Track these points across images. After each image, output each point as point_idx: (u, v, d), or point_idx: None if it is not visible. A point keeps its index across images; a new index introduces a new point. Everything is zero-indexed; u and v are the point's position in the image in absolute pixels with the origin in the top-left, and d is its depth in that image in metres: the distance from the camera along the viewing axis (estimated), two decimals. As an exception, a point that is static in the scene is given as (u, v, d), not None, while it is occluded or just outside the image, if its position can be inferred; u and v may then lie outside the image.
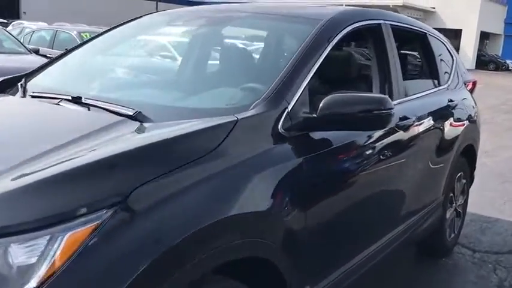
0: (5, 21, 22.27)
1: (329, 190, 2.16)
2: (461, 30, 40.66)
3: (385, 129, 2.58)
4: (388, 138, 2.64)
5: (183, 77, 2.70)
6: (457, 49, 39.24)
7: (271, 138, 1.90)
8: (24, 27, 16.26)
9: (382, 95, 2.11)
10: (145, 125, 1.83)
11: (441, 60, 3.75)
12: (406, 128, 2.78)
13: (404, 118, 2.79)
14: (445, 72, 3.78)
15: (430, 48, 3.61)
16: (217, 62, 2.70)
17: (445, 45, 3.96)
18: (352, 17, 2.64)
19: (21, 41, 12.08)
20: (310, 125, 2.05)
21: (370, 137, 2.46)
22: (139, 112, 1.88)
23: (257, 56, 2.66)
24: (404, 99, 2.95)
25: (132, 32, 2.86)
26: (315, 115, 2.03)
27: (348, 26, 2.54)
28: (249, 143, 1.81)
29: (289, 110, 2.00)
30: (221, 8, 2.89)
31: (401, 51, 3.84)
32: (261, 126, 1.89)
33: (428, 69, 3.64)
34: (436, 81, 3.60)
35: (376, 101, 2.07)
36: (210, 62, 2.72)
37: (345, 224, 2.35)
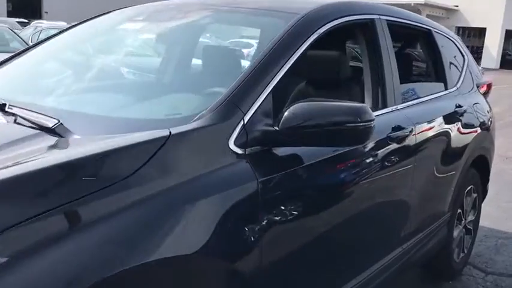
0: (26, 20, 22.33)
1: (297, 219, 1.79)
2: (485, 28, 39.58)
3: (373, 141, 2.21)
4: (378, 152, 2.27)
5: (127, 81, 2.36)
6: (481, 48, 38.30)
7: (218, 156, 1.55)
8: (37, 26, 16.24)
9: (360, 104, 1.74)
10: (62, 140, 1.50)
11: (449, 60, 3.35)
12: (400, 140, 2.40)
13: (398, 128, 2.41)
14: (454, 74, 3.37)
15: (435, 47, 3.20)
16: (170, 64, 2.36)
17: (454, 43, 3.55)
18: (336, 11, 2.27)
19: (31, 40, 11.91)
20: (272, 139, 1.70)
21: (354, 151, 2.08)
22: (60, 124, 1.55)
23: (216, 57, 2.31)
24: (401, 105, 2.57)
25: (86, 32, 2.54)
26: (276, 128, 1.68)
27: (330, 21, 2.17)
28: (186, 163, 1.46)
29: (246, 121, 1.65)
30: (181, 3, 2.54)
31: (402, 51, 3.46)
32: (205, 142, 1.54)
33: (434, 70, 3.24)
34: (442, 84, 3.20)
35: (352, 112, 1.70)
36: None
37: (320, 259, 1.98)
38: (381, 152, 2.28)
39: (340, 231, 2.08)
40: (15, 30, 11.93)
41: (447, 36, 3.44)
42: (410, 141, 2.49)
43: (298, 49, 1.94)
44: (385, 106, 2.48)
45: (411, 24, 2.96)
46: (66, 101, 1.98)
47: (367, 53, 2.55)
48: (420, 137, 2.60)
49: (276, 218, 1.67)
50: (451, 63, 3.37)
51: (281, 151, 1.74)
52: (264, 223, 1.61)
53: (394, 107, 2.52)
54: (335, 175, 2.01)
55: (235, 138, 1.61)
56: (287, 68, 1.87)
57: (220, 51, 2.49)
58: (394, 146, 2.35)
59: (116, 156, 1.34)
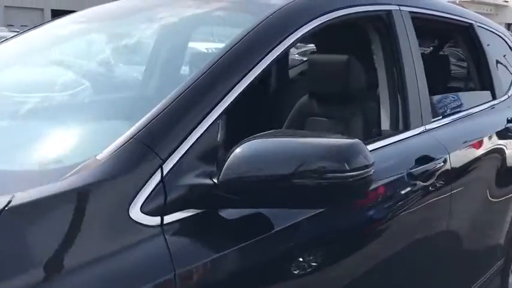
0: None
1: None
2: (538, 24, 37.43)
3: (383, 184, 1.57)
4: (389, 202, 1.61)
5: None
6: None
7: (106, 236, 0.95)
8: None
9: (350, 141, 1.09)
10: None
11: (498, 62, 2.63)
12: (426, 177, 1.72)
13: (425, 159, 1.74)
14: (505, 80, 2.64)
15: (479, 46, 2.49)
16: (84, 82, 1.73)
17: (504, 40, 2.82)
18: (330, 1, 1.63)
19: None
20: (209, 199, 1.08)
21: (350, 205, 1.44)
22: None
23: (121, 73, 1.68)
24: (430, 125, 1.90)
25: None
26: (215, 180, 1.07)
27: (321, 15, 1.54)
28: (37, 252, 0.87)
29: (166, 173, 1.04)
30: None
31: (433, 52, 2.77)
32: (80, 213, 0.94)
33: (477, 75, 2.53)
34: (489, 93, 2.48)
35: (335, 154, 1.06)
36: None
37: None
38: (395, 201, 1.62)
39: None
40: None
41: (495, 31, 2.72)
42: (443, 175, 1.81)
43: (265, 56, 1.32)
44: (407, 127, 1.82)
45: (445, 16, 2.27)
46: None
47: (383, 56, 1.90)
48: (458, 169, 1.91)
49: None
50: (499, 65, 2.64)
51: (227, 215, 1.12)
52: None
53: (420, 128, 1.85)
54: (322, 250, 1.35)
55: (145, 202, 1.00)
56: (246, 84, 1.25)
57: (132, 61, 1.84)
58: (416, 187, 1.68)
59: None
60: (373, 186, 1.44)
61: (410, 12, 1.97)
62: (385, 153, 1.66)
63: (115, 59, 1.61)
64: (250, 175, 1.04)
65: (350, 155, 1.06)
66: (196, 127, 1.12)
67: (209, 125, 1.13)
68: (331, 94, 2.15)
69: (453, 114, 2.14)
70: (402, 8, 1.93)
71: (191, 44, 1.59)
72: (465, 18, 2.47)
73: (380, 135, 1.87)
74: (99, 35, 1.83)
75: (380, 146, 1.67)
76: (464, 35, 2.51)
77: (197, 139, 1.11)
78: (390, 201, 1.61)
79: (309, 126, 2.24)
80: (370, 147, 1.63)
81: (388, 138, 1.75)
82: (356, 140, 1.10)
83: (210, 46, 1.56)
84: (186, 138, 1.10)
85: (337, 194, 1.09)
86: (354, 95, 2.10)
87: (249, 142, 1.07)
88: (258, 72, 1.28)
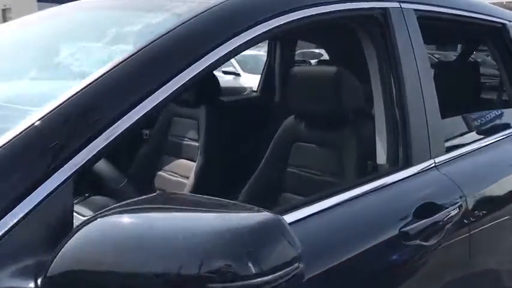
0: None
1: None
2: None
3: (374, 243, 1.13)
4: (383, 258, 1.16)
5: None
6: None
7: None
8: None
9: (260, 218, 0.66)
10: None
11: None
12: (429, 235, 1.26)
13: (429, 208, 1.28)
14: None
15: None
16: None
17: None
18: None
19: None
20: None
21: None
22: None
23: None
24: (442, 158, 1.44)
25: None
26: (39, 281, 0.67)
27: (272, 17, 1.12)
28: None
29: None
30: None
31: (455, 60, 2.28)
32: None
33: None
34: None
35: (229, 246, 0.63)
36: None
37: None
38: (389, 271, 1.17)
39: None
40: None
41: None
42: (457, 230, 1.34)
43: (194, 68, 0.93)
44: (408, 162, 1.37)
45: (466, 15, 1.79)
46: None
47: (378, 67, 1.46)
48: (478, 221, 1.43)
49: None
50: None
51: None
52: None
53: (427, 163, 1.40)
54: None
55: None
56: (155, 105, 0.86)
57: None
58: (419, 251, 1.22)
59: None
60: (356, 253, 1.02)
61: (415, 10, 1.52)
62: (378, 200, 1.23)
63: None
64: (89, 275, 0.64)
65: (258, 247, 0.64)
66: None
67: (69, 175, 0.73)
68: (319, 115, 1.73)
69: (476, 140, 1.66)
70: (404, 5, 1.49)
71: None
72: (496, 17, 1.97)
73: (376, 171, 1.43)
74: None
75: (371, 188, 1.24)
76: (495, 38, 2.02)
77: (31, 211, 0.71)
78: (381, 273, 1.16)
79: (295, 153, 1.82)
80: (358, 190, 1.20)
81: (385, 178, 1.31)
82: (271, 218, 0.67)
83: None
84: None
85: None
86: (346, 115, 1.67)
87: (94, 222, 0.66)
88: (182, 82, 0.88)
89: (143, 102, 0.87)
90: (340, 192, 1.17)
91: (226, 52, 1.02)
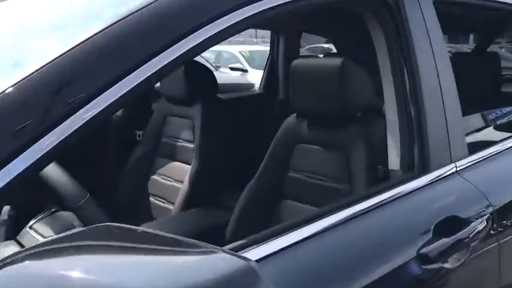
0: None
1: None
2: None
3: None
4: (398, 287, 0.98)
5: None
6: None
7: None
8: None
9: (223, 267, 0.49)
10: None
11: None
12: (453, 256, 1.07)
13: (453, 223, 1.09)
14: None
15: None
16: None
17: None
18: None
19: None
20: None
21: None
22: None
23: None
24: (464, 162, 1.25)
25: None
26: None
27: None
28: None
29: None
30: None
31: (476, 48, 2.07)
32: None
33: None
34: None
35: None
36: None
37: None
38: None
39: None
40: None
41: None
42: (486, 248, 1.14)
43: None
44: (425, 168, 1.18)
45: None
46: None
47: (389, 59, 1.27)
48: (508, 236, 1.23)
49: None
50: None
51: None
52: None
53: (447, 168, 1.20)
54: None
55: None
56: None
57: None
58: (436, 271, 1.03)
59: None
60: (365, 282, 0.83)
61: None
62: (391, 214, 1.04)
63: None
64: None
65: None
66: None
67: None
68: (323, 112, 1.54)
69: (502, 141, 1.46)
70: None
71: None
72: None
73: (387, 179, 1.25)
74: None
75: (382, 200, 1.05)
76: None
77: None
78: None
79: (297, 156, 1.63)
80: (367, 203, 1.02)
81: (398, 187, 1.12)
82: (241, 266, 0.49)
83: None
84: None
85: None
86: (353, 112, 1.48)
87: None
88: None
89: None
90: (345, 206, 0.99)
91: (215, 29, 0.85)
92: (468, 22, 2.03)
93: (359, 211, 0.99)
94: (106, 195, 2.37)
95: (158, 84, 2.38)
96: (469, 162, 1.26)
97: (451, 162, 1.22)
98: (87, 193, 0.98)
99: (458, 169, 1.23)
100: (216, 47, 11.52)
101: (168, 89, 2.21)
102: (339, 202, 1.03)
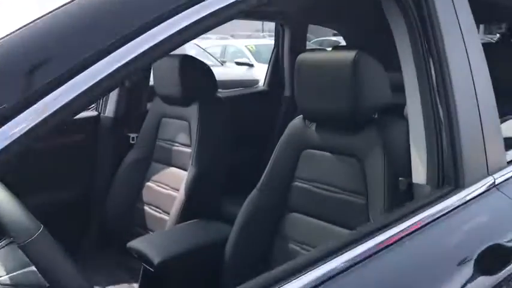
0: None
1: None
2: None
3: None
4: None
5: None
6: None
7: None
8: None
9: None
10: None
11: None
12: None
13: (494, 252, 0.89)
14: None
15: None
16: None
17: None
18: None
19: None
20: None
21: None
22: None
23: None
24: (503, 176, 1.05)
25: None
26: None
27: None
28: None
29: None
30: None
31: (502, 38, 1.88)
32: None
33: None
34: None
35: None
36: None
37: None
38: None
39: None
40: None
41: None
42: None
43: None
44: (458, 183, 0.97)
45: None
46: None
47: (412, 51, 1.06)
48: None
49: None
50: None
51: None
52: None
53: (484, 183, 1.00)
54: None
55: None
56: None
57: None
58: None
59: None
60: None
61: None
62: (419, 247, 0.84)
63: None
64: None
65: None
66: None
67: None
68: (335, 114, 1.33)
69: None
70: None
71: None
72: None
73: (410, 193, 1.05)
74: None
75: (407, 227, 0.85)
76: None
77: None
78: None
79: (305, 163, 1.43)
80: (387, 234, 0.82)
81: (427, 210, 0.92)
82: None
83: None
84: None
85: None
86: (369, 114, 1.28)
87: None
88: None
89: None
90: (359, 241, 0.79)
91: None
92: (498, 11, 1.81)
93: (379, 242, 0.80)
94: (96, 203, 2.20)
95: (152, 83, 2.20)
96: (509, 174, 1.06)
97: (488, 174, 1.02)
98: (41, 225, 0.79)
99: (496, 183, 1.02)
100: (222, 42, 11.29)
101: (163, 88, 2.01)
102: (354, 234, 0.83)
